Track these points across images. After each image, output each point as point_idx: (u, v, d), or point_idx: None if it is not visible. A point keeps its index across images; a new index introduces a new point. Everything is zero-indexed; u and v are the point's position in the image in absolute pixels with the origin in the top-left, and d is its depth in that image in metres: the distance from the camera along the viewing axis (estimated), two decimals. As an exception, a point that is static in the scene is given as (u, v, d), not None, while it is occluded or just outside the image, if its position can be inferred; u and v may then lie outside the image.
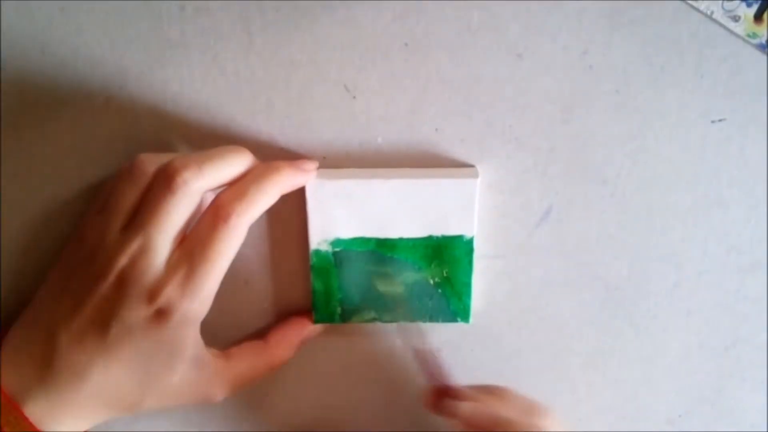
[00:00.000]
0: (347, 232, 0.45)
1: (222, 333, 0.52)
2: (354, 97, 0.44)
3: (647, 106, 0.44)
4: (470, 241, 0.46)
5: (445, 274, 0.47)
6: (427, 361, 0.48)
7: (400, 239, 0.46)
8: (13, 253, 0.47)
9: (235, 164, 0.40)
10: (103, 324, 0.37)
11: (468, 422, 0.44)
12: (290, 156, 0.45)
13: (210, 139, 0.45)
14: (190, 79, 0.43)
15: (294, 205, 0.45)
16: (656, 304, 0.51)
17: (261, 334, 0.50)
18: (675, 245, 0.48)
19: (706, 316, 0.51)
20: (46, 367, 0.38)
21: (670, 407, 0.55)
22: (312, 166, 0.44)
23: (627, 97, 0.44)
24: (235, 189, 0.39)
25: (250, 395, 0.54)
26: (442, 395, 0.46)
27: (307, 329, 0.49)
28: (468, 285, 0.47)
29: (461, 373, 0.53)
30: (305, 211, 0.45)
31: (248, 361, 0.46)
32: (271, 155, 0.45)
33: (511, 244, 0.48)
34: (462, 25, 0.42)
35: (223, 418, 0.55)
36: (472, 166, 0.45)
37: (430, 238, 0.46)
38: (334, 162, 0.45)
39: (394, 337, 0.51)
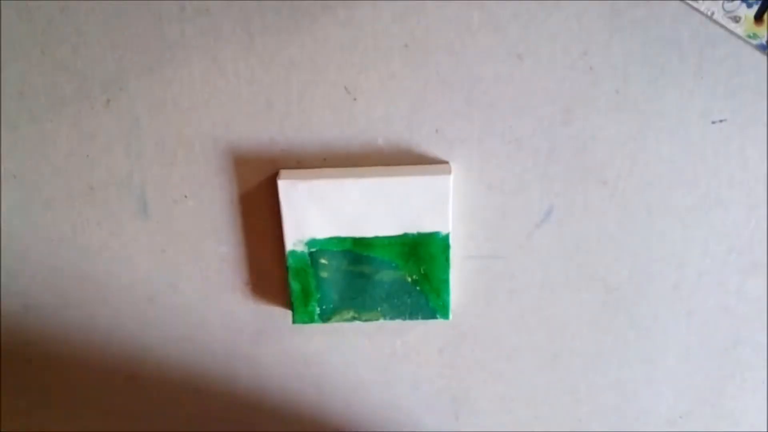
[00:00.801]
0: (322, 232, 0.46)
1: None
2: (354, 99, 0.44)
3: (647, 106, 0.44)
4: (446, 238, 0.46)
5: (422, 272, 0.47)
6: None
7: (376, 238, 0.46)
8: (13, 253, 0.47)
9: None
10: None
11: None
12: (291, 157, 0.45)
13: (210, 141, 0.45)
14: (189, 80, 0.43)
15: (268, 205, 0.45)
16: (656, 305, 0.51)
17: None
18: (675, 246, 0.48)
19: (706, 317, 0.51)
20: None
21: (670, 408, 0.55)
22: None
23: (627, 98, 0.44)
24: None
25: (247, 396, 0.54)
26: None
27: None
28: (446, 281, 0.48)
29: (463, 373, 0.53)
30: (279, 211, 0.45)
31: None
32: (271, 156, 0.45)
33: (512, 245, 0.48)
34: (462, 26, 0.42)
35: (223, 418, 0.55)
36: (445, 162, 0.46)
37: (405, 235, 0.46)
38: (334, 163, 0.45)
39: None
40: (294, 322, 0.49)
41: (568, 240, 0.48)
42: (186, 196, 0.47)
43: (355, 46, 0.42)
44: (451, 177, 0.44)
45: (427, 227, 0.45)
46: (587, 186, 0.46)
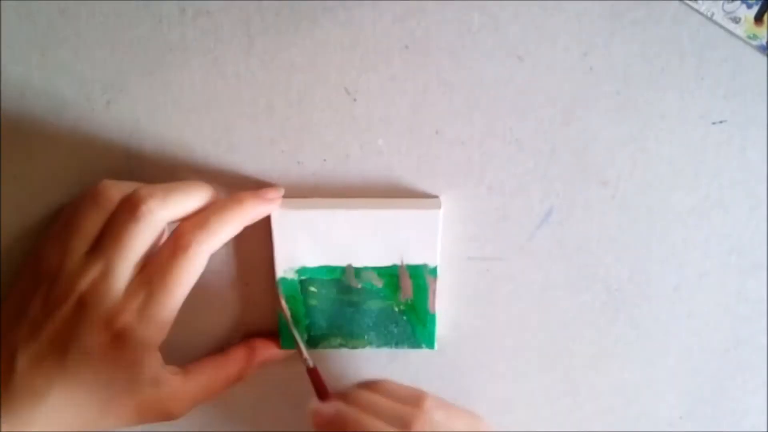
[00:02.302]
0: (313, 261, 0.46)
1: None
2: (354, 100, 0.44)
3: (648, 107, 0.44)
4: (433, 270, 0.46)
5: (409, 303, 0.48)
6: (314, 378, 0.47)
7: (365, 268, 0.46)
8: (13, 256, 0.47)
9: (198, 197, 0.41)
10: (62, 347, 0.38)
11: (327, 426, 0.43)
12: (291, 158, 0.45)
13: (210, 142, 0.45)
14: (190, 82, 0.43)
15: (261, 233, 0.46)
16: (657, 306, 0.51)
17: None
18: (676, 247, 0.48)
19: (706, 318, 0.51)
20: (6, 390, 0.37)
21: (671, 409, 0.55)
22: (276, 194, 0.44)
23: (627, 99, 0.44)
24: (197, 219, 0.40)
25: (246, 397, 0.54)
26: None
27: (268, 351, 0.49)
28: (432, 313, 0.48)
29: (464, 374, 0.53)
30: (271, 239, 0.45)
31: (206, 377, 0.45)
32: (271, 158, 0.45)
33: (512, 246, 0.48)
34: (462, 27, 0.42)
35: (223, 420, 0.55)
36: (435, 196, 0.46)
37: (394, 267, 0.46)
38: (334, 163, 0.45)
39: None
40: (282, 347, 0.49)
41: (568, 241, 0.48)
42: (186, 198, 0.47)
43: (356, 47, 0.42)
44: (441, 212, 0.45)
45: (415, 259, 0.46)
46: (588, 187, 0.46)
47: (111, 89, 0.43)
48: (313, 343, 0.49)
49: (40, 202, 0.46)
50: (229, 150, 0.45)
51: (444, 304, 0.50)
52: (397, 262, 0.46)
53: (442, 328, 0.51)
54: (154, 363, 0.40)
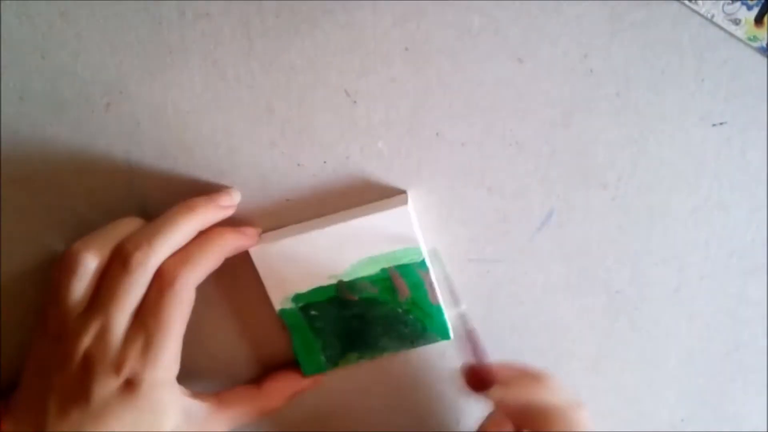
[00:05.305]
0: (304, 286, 0.46)
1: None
2: (354, 102, 0.44)
3: (648, 109, 0.44)
4: (422, 264, 0.46)
5: (410, 300, 0.47)
6: (469, 340, 0.47)
7: (356, 279, 0.46)
8: (13, 260, 0.47)
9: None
10: (82, 399, 0.39)
11: (500, 407, 0.44)
12: (291, 160, 0.45)
13: (211, 145, 0.45)
14: (190, 84, 0.43)
15: (247, 272, 0.46)
16: (658, 308, 0.51)
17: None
18: (676, 249, 0.48)
19: (707, 320, 0.51)
20: None
21: (672, 411, 0.55)
22: (254, 232, 0.45)
23: (627, 101, 0.44)
24: (179, 254, 0.41)
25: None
26: (479, 376, 0.45)
27: (299, 383, 0.50)
28: (437, 303, 0.48)
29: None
30: (258, 276, 0.46)
31: (240, 406, 0.47)
32: (271, 160, 0.45)
33: (513, 249, 0.48)
34: (462, 30, 0.42)
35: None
36: (402, 192, 0.46)
37: (383, 271, 0.46)
38: (335, 165, 0.45)
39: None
40: (304, 374, 0.50)
41: (569, 243, 0.48)
42: (186, 200, 0.47)
43: (356, 49, 0.42)
44: (409, 207, 0.44)
45: (401, 259, 0.46)
46: (588, 189, 0.46)
47: (111, 91, 0.43)
48: (332, 362, 0.49)
49: (40, 205, 0.46)
50: (230, 152, 0.45)
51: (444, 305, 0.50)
52: (385, 266, 0.46)
53: None
54: (175, 398, 0.42)
